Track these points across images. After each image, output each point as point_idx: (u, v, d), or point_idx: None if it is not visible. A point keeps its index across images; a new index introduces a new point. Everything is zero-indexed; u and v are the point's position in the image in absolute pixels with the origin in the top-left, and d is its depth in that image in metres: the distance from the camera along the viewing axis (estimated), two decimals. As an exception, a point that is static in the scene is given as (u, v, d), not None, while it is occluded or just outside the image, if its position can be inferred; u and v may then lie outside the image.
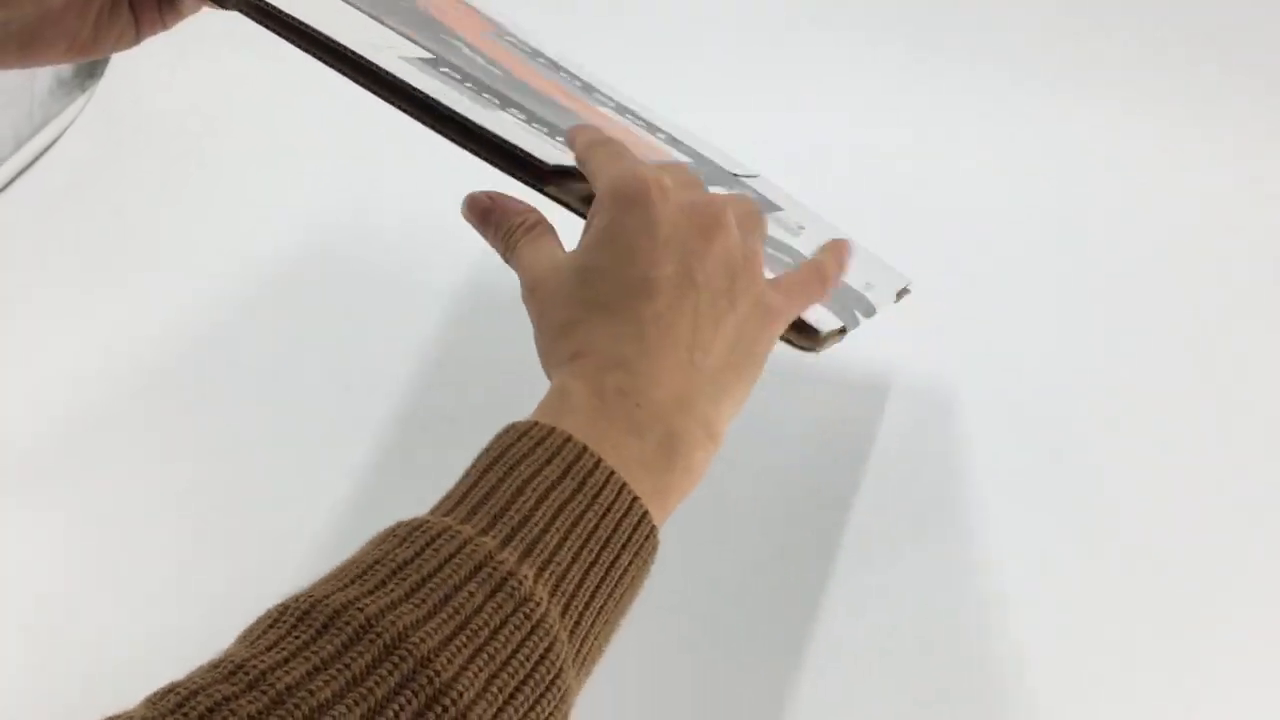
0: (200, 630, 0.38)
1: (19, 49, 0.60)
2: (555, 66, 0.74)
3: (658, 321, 0.44)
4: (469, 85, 0.56)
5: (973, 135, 1.09)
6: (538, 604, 0.37)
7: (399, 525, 0.38)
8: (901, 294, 0.72)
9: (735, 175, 0.74)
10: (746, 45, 1.19)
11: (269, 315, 1.02)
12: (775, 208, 0.70)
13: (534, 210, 0.53)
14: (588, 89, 0.74)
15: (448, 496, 0.40)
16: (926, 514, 0.81)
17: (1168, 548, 0.79)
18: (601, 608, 0.39)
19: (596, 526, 0.40)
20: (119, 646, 0.76)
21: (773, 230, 0.58)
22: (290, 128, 1.18)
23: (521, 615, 0.36)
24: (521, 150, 0.50)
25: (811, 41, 1.17)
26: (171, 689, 0.33)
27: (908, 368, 0.89)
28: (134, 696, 0.33)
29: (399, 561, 0.36)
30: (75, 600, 0.82)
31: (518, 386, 0.85)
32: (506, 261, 0.52)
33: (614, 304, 0.44)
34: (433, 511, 0.40)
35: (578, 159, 0.52)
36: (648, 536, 0.41)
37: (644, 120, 0.74)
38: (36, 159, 1.26)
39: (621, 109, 0.73)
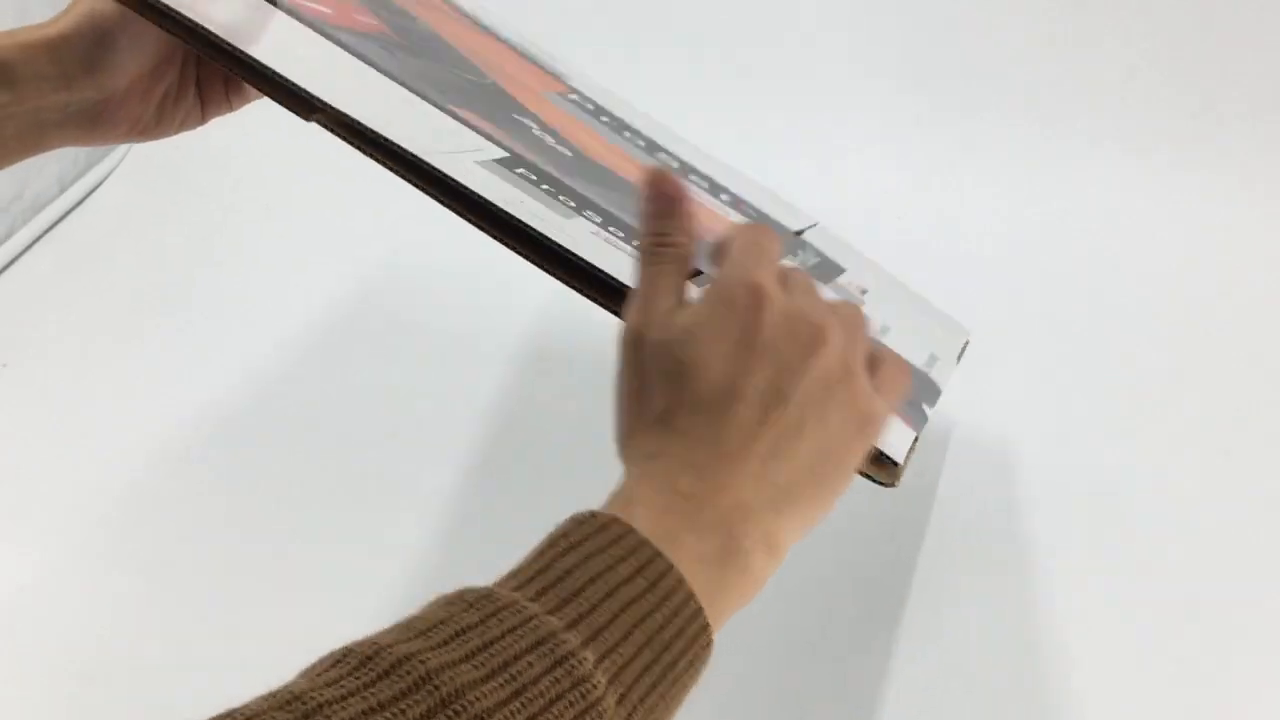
0: (259, 674, 0.38)
1: (81, 130, 0.61)
2: (620, 126, 0.73)
3: (739, 430, 0.44)
4: (545, 188, 0.55)
5: (1027, 191, 1.07)
6: (595, 685, 0.37)
7: (467, 591, 0.39)
8: (963, 351, 0.69)
9: (798, 234, 0.72)
10: (805, 93, 1.18)
11: (314, 363, 1.02)
12: (839, 269, 0.68)
13: (691, 239, 0.50)
14: (652, 148, 0.72)
15: (516, 573, 0.41)
16: (988, 558, 0.80)
17: (1225, 597, 0.77)
18: (654, 706, 0.40)
19: (661, 628, 0.40)
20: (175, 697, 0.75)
21: (833, 294, 0.58)
22: (331, 176, 1.18)
23: (578, 693, 0.37)
24: (601, 272, 0.50)
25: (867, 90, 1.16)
26: (229, 715, 0.34)
27: (966, 415, 0.87)
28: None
29: (463, 624, 0.37)
30: (128, 657, 0.81)
31: (567, 438, 0.85)
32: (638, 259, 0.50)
33: (702, 405, 0.44)
34: (500, 584, 0.40)
35: (721, 240, 0.50)
36: (705, 645, 0.42)
37: (708, 179, 0.72)
38: (79, 203, 1.27)
39: (685, 169, 0.72)
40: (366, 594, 0.82)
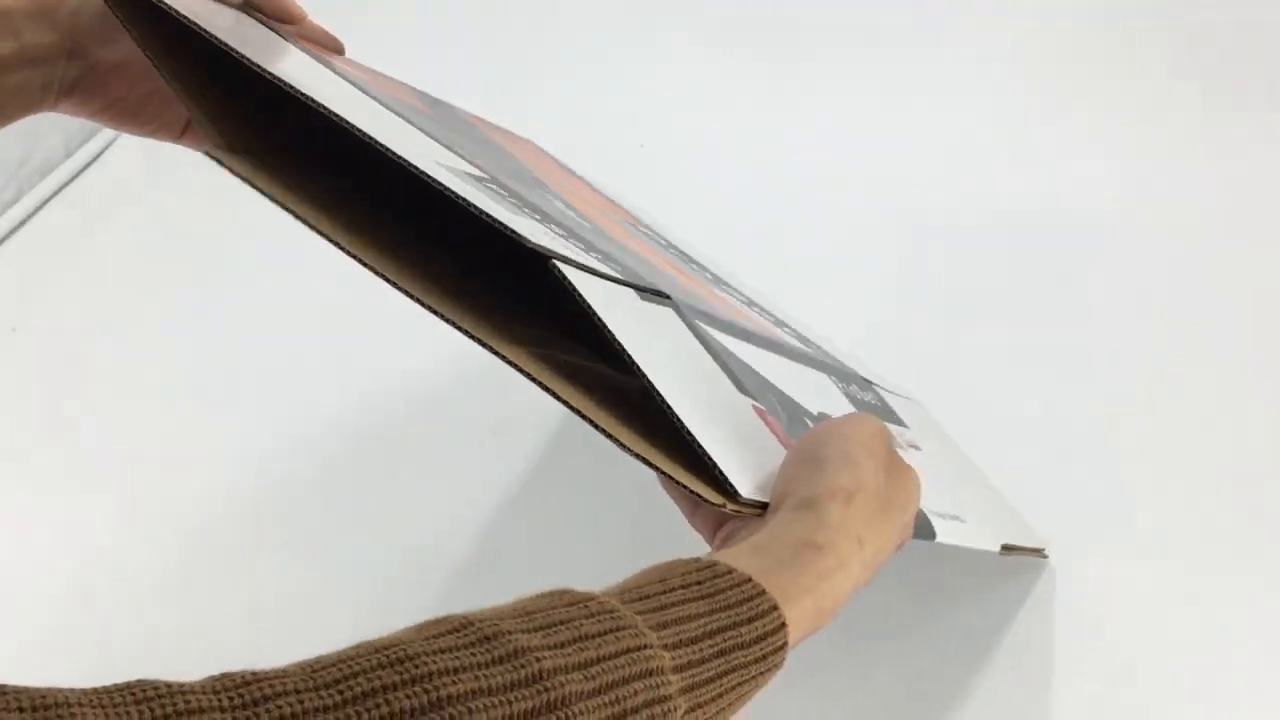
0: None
1: (59, 97, 0.61)
2: (687, 259, 0.73)
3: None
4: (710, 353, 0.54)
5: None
6: None
7: (593, 600, 0.40)
8: (1012, 550, 0.66)
9: (868, 381, 0.72)
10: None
11: (325, 327, 1.01)
12: (900, 423, 0.68)
13: None
14: (717, 281, 0.72)
15: (643, 595, 0.42)
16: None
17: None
18: (719, 713, 0.42)
19: (753, 674, 0.43)
20: None
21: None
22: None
23: None
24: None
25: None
26: (335, 662, 0.34)
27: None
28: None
29: (583, 632, 0.38)
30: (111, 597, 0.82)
31: (587, 528, 0.81)
32: None
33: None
34: (624, 599, 0.41)
35: None
36: (778, 665, 0.44)
37: (770, 315, 0.72)
38: (86, 167, 1.27)
39: (749, 302, 0.72)
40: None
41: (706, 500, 0.46)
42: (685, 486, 0.46)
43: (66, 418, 0.99)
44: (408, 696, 0.33)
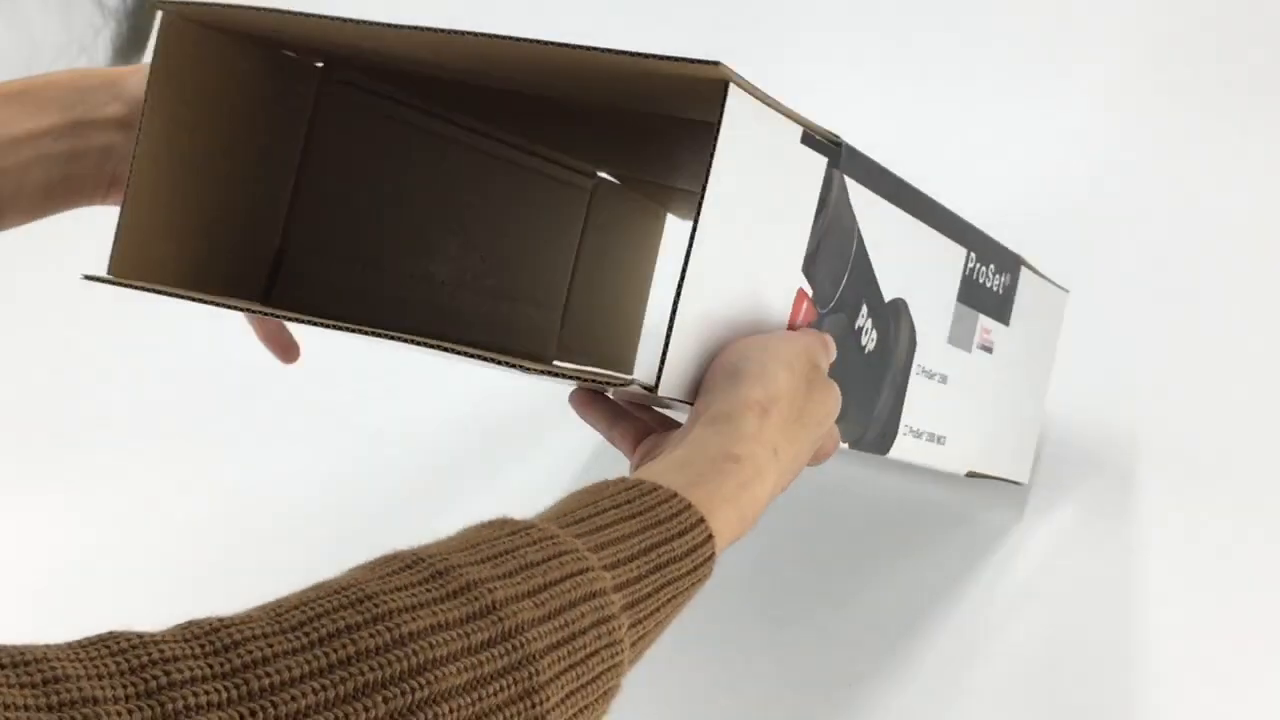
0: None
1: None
2: None
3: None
4: None
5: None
6: (621, 648, 0.41)
7: (533, 527, 0.41)
8: (979, 476, 0.70)
9: (1019, 259, 0.71)
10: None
11: None
12: (1001, 318, 0.69)
13: None
14: None
15: (578, 519, 0.43)
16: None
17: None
18: (656, 626, 0.44)
19: (686, 586, 0.45)
20: None
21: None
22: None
23: (610, 652, 0.40)
24: None
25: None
26: (298, 605, 0.34)
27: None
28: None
29: (529, 560, 0.39)
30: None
31: None
32: None
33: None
34: (560, 524, 0.43)
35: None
36: (708, 574, 0.47)
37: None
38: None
39: None
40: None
41: (628, 387, 0.49)
42: (605, 382, 0.50)
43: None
44: (371, 635, 0.33)
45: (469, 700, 0.35)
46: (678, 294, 0.48)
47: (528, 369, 0.47)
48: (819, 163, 0.53)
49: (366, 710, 0.32)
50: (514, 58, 0.51)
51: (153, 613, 0.83)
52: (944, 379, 0.64)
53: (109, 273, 0.56)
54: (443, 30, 0.49)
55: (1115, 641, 0.68)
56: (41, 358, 1.10)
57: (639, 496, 0.45)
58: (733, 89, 0.46)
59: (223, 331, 1.00)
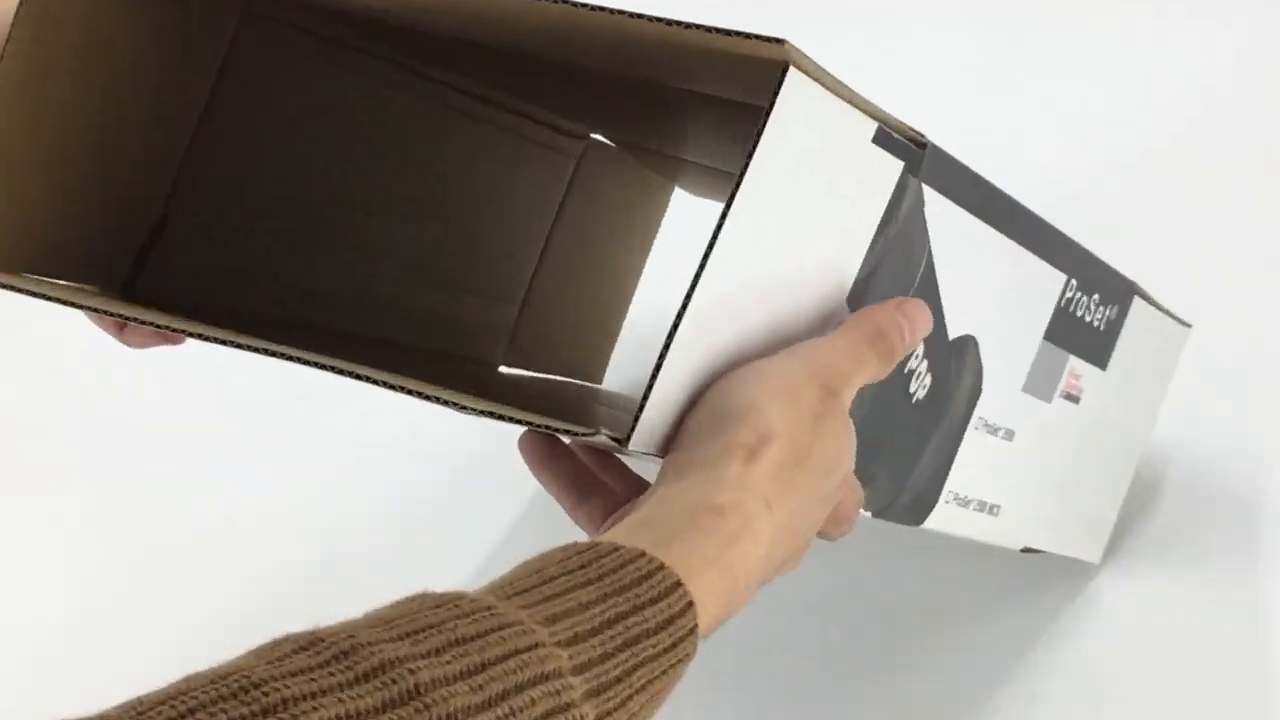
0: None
1: None
2: None
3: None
4: None
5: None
6: None
7: (463, 598, 0.35)
8: (1031, 550, 0.62)
9: (1134, 289, 0.63)
10: None
11: None
12: (1098, 362, 0.62)
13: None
14: None
15: (520, 589, 0.37)
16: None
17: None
18: None
19: (664, 667, 0.38)
20: None
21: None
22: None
23: None
24: None
25: None
26: (162, 700, 0.29)
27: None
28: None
29: (459, 636, 0.34)
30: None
31: None
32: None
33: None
34: (499, 595, 0.37)
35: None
36: (687, 660, 0.40)
37: None
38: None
39: None
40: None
41: (591, 438, 0.42)
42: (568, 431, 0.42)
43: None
44: None
45: None
46: (676, 321, 0.40)
47: (457, 406, 0.40)
48: (893, 167, 0.46)
49: None
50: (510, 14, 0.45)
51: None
52: (1009, 434, 0.56)
53: None
54: None
55: None
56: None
57: (595, 559, 0.38)
58: (792, 73, 0.40)
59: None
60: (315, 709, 0.30)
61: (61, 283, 0.50)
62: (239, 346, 0.43)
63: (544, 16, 0.44)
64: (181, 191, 0.55)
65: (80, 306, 0.48)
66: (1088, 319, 0.59)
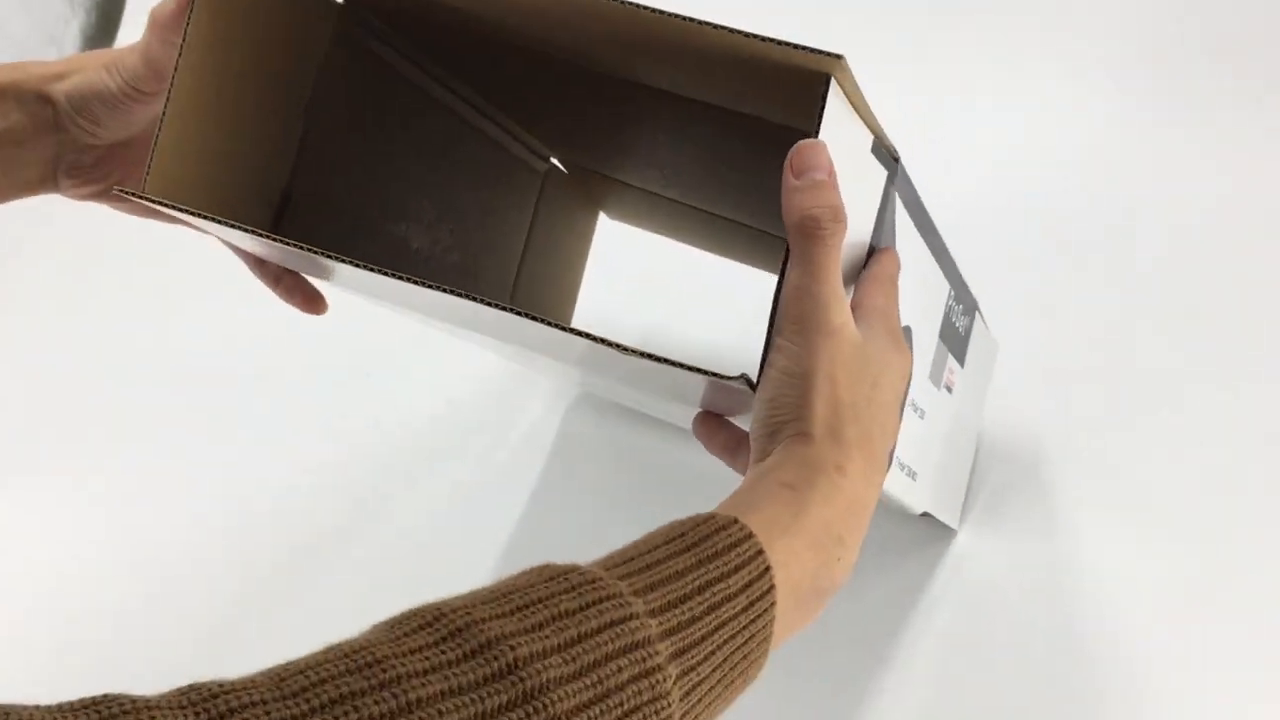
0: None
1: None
2: None
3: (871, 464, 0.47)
4: None
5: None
6: (669, 704, 0.37)
7: (574, 571, 0.38)
8: (926, 515, 0.69)
9: (975, 305, 0.70)
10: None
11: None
12: (961, 362, 0.68)
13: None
14: None
15: (628, 558, 0.40)
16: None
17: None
18: (715, 673, 0.40)
19: (742, 626, 0.41)
20: None
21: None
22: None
23: (654, 709, 0.37)
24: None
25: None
26: (304, 668, 0.33)
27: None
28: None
29: (562, 610, 0.36)
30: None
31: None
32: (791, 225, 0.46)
33: (868, 433, 0.46)
34: (607, 568, 0.39)
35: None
36: (764, 658, 0.43)
37: None
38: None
39: None
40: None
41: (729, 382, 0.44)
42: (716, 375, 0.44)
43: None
44: (376, 702, 0.32)
45: None
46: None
47: (615, 344, 0.43)
48: (880, 176, 0.50)
49: None
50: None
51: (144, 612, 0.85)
52: (923, 414, 0.61)
53: (146, 190, 0.54)
54: None
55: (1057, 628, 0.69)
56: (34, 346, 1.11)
57: (695, 528, 0.42)
58: (834, 85, 0.42)
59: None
60: (424, 684, 0.33)
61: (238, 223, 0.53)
62: (376, 270, 0.46)
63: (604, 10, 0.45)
64: (298, 169, 0.61)
65: (264, 236, 0.50)
66: (957, 324, 0.64)
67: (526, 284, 0.77)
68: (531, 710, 0.33)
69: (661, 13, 0.42)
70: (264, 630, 0.84)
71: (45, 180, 0.63)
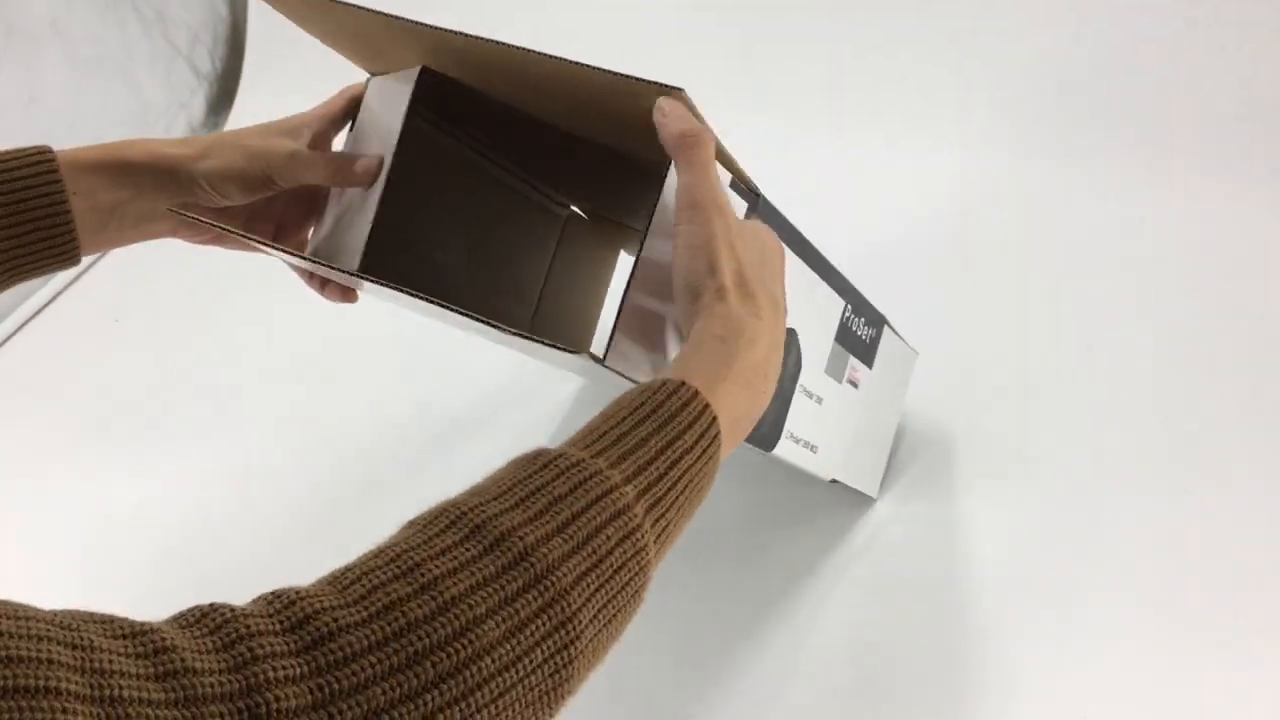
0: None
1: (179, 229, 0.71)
2: None
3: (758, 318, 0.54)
4: None
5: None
6: (647, 552, 0.43)
7: (561, 457, 0.43)
8: (840, 484, 0.79)
9: (882, 318, 0.79)
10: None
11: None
12: (867, 363, 0.77)
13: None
14: None
15: (600, 434, 0.45)
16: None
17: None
18: (678, 513, 0.46)
19: (697, 471, 0.46)
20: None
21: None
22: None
23: (636, 562, 0.42)
24: None
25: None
26: (359, 576, 0.37)
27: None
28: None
29: (556, 495, 0.41)
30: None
31: None
32: (673, 155, 0.53)
33: (754, 293, 0.53)
34: (586, 449, 0.44)
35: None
36: (711, 485, 0.49)
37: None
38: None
39: None
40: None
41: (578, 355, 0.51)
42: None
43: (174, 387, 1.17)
44: (419, 605, 0.36)
45: (508, 648, 0.37)
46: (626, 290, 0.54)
47: (563, 346, 0.51)
48: (740, 207, 0.58)
49: (418, 677, 0.35)
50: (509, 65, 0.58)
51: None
52: (820, 400, 0.71)
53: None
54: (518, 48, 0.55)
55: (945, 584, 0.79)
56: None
57: (651, 395, 0.47)
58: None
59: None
60: (455, 583, 0.37)
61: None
62: (407, 292, 0.56)
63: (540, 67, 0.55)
64: (381, 213, 0.71)
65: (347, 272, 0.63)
66: (859, 333, 0.74)
67: (548, 308, 0.88)
68: (544, 589, 0.38)
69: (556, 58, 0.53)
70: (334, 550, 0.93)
71: (166, 234, 0.71)
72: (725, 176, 0.57)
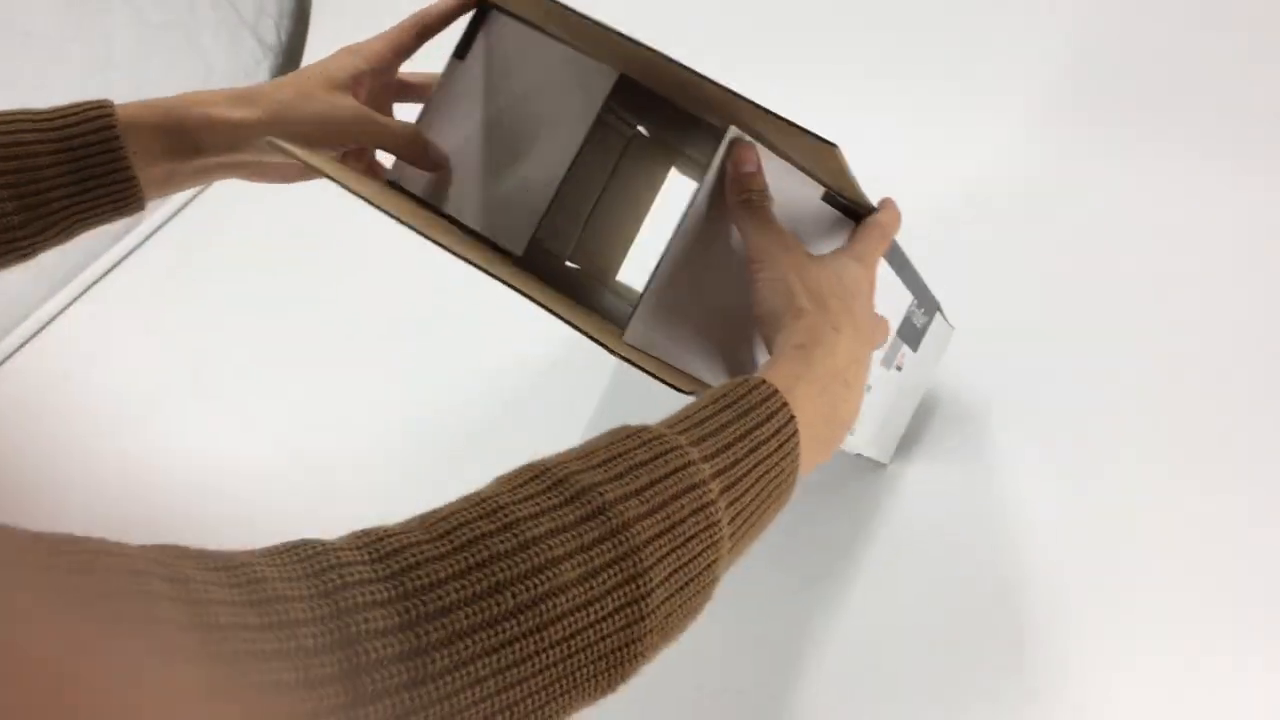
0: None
1: (244, 173, 0.73)
2: None
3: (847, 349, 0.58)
4: None
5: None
6: (720, 527, 0.44)
7: (644, 430, 0.45)
8: (860, 456, 0.80)
9: (936, 304, 0.79)
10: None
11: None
12: (914, 349, 0.78)
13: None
14: None
15: (683, 418, 0.47)
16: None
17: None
18: (751, 528, 0.48)
19: (775, 462, 0.48)
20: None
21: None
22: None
23: (710, 534, 0.44)
24: None
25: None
26: (446, 515, 0.39)
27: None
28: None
29: (637, 461, 0.43)
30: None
31: None
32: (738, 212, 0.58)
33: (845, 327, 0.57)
34: (670, 428, 0.46)
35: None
36: (793, 486, 0.51)
37: None
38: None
39: None
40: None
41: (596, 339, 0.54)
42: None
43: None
44: (501, 541, 0.38)
45: (582, 590, 0.39)
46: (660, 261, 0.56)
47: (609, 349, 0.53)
48: (847, 225, 0.64)
49: (498, 605, 0.37)
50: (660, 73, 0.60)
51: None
52: (870, 389, 0.71)
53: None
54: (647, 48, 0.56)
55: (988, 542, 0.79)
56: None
57: (734, 389, 0.49)
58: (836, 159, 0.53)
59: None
60: (535, 525, 0.39)
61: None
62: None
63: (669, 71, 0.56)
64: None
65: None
66: (917, 323, 0.76)
67: (597, 226, 0.87)
68: (618, 542, 0.40)
69: (720, 86, 0.53)
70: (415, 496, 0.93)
71: (230, 177, 0.72)
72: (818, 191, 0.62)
